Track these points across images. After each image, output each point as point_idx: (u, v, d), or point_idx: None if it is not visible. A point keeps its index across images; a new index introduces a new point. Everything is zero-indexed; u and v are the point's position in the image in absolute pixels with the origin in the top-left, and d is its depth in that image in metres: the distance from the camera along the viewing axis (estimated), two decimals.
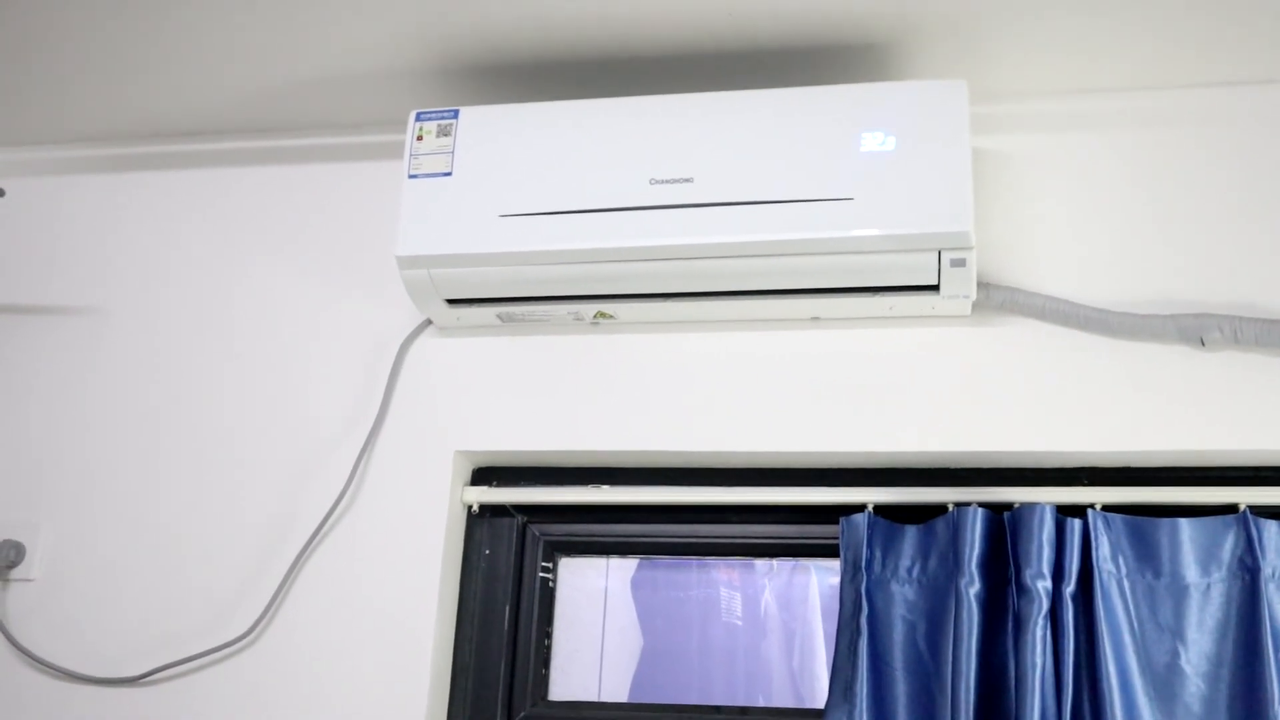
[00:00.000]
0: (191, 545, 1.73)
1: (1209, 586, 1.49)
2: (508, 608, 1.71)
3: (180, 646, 1.67)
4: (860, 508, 1.59)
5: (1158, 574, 1.51)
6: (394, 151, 1.77)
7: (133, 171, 1.99)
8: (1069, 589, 1.47)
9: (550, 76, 1.77)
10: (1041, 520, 1.48)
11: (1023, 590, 1.47)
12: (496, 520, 1.75)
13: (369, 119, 1.89)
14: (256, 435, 1.77)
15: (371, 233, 1.85)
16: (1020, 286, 1.65)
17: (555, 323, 1.74)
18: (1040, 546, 1.47)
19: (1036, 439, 1.59)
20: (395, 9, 1.65)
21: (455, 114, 1.67)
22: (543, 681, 1.71)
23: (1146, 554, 1.51)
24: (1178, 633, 1.48)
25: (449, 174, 1.64)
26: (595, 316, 1.72)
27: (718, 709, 1.69)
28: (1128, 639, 1.47)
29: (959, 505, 1.54)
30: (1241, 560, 1.48)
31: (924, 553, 1.56)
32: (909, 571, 1.56)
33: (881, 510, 1.60)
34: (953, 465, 1.65)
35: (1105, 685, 1.42)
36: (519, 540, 1.75)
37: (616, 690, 1.81)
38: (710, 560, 1.82)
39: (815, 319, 1.69)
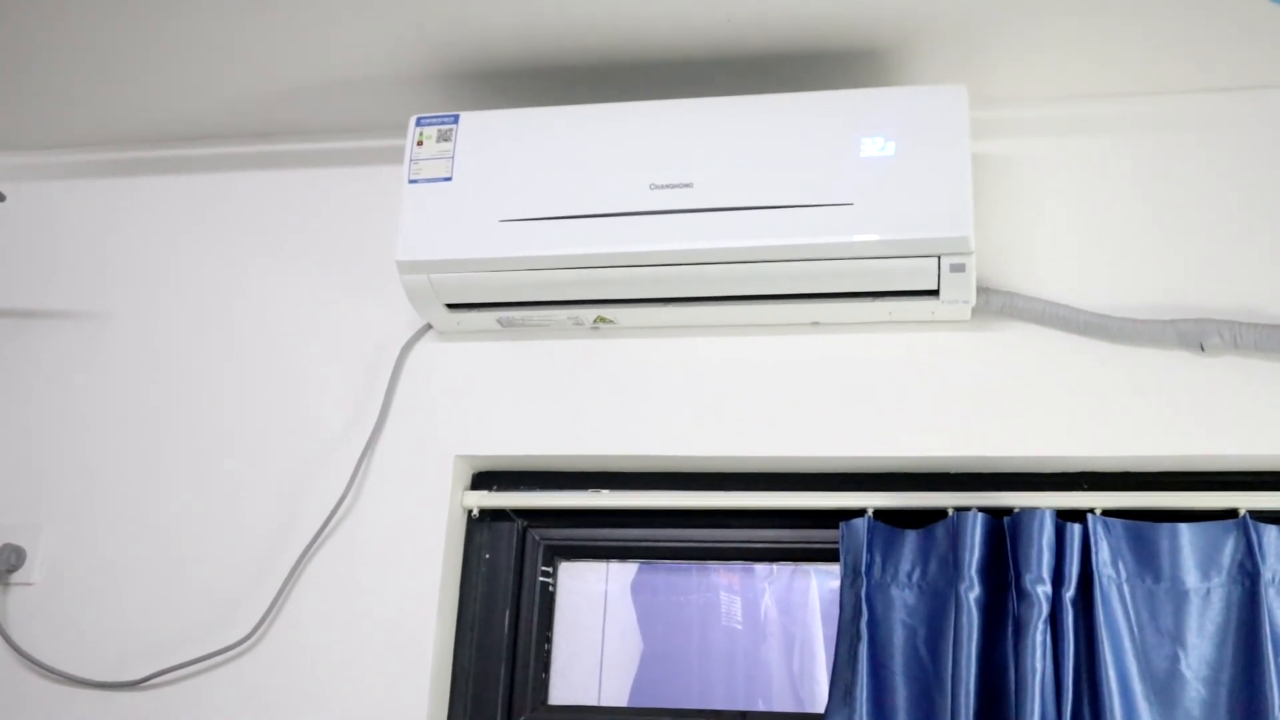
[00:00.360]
0: (192, 549, 1.73)
1: (1209, 591, 1.49)
2: (508, 612, 1.72)
3: (181, 650, 1.67)
4: (860, 512, 1.59)
5: (1158, 579, 1.51)
6: (394, 156, 1.77)
7: (133, 176, 1.99)
8: (1069, 594, 1.47)
9: (551, 81, 1.77)
10: (1041, 525, 1.48)
11: (1023, 595, 1.47)
12: (496, 524, 1.75)
13: (369, 124, 1.90)
14: (257, 440, 1.78)
15: (371, 237, 1.85)
16: (1020, 291, 1.65)
17: (555, 327, 1.74)
18: (1040, 551, 1.47)
19: (1036, 444, 1.59)
20: (396, 14, 1.65)
21: (455, 119, 1.68)
22: (543, 686, 1.71)
23: (1146, 559, 1.51)
24: (1178, 638, 1.47)
25: (449, 179, 1.65)
26: (595, 321, 1.72)
27: (718, 713, 1.69)
28: (1128, 644, 1.47)
29: (959, 510, 1.54)
30: (1241, 565, 1.48)
31: (924, 557, 1.56)
32: (909, 576, 1.56)
33: (881, 515, 1.60)
34: (952, 470, 1.65)
35: (1105, 690, 1.42)
36: (519, 544, 1.75)
37: (616, 694, 1.81)
38: (710, 564, 1.82)
39: (815, 324, 1.69)
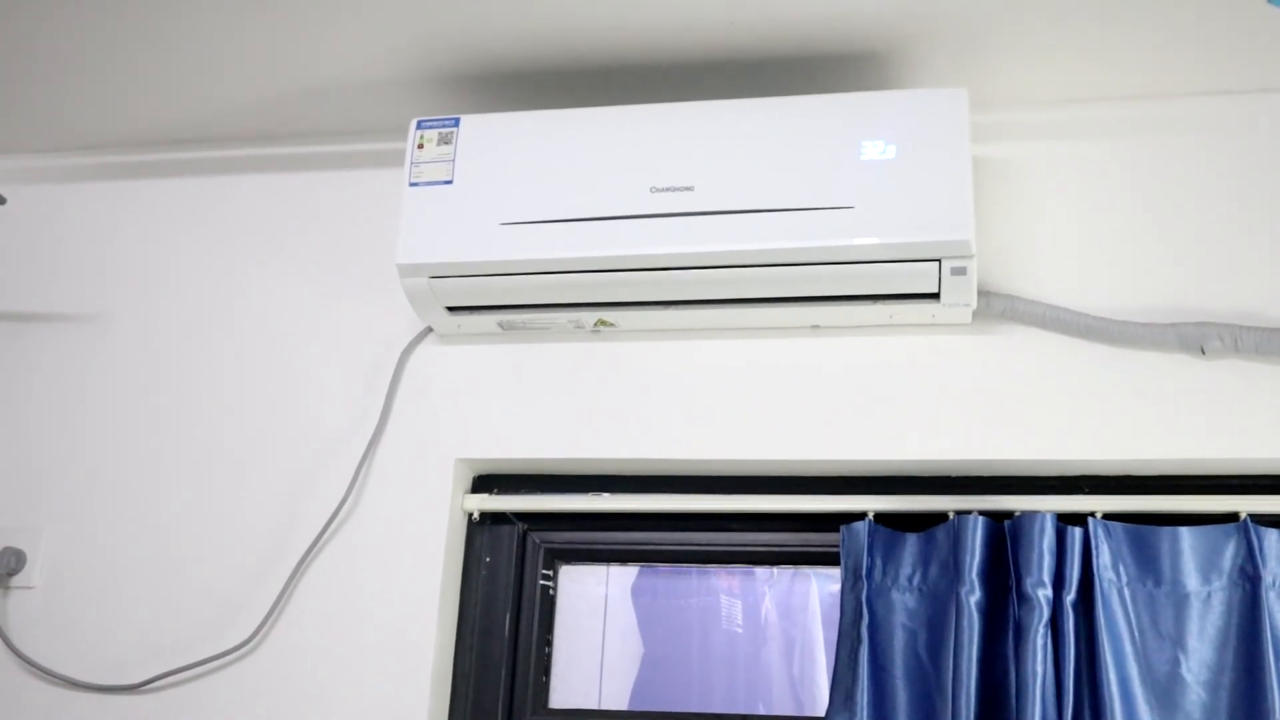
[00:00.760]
0: (192, 552, 1.73)
1: (1210, 595, 1.49)
2: (508, 615, 1.71)
3: (181, 654, 1.67)
4: (861, 516, 1.59)
5: (1158, 582, 1.51)
6: (395, 159, 1.77)
7: (134, 179, 1.99)
8: (1070, 597, 1.47)
9: (551, 85, 1.77)
10: (1042, 528, 1.48)
11: (1023, 598, 1.47)
12: (497, 528, 1.75)
13: (370, 127, 1.90)
14: (257, 443, 1.77)
15: (372, 240, 1.85)
16: (1021, 295, 1.65)
17: (556, 330, 1.74)
18: (1041, 555, 1.47)
19: (1037, 447, 1.59)
20: (396, 17, 1.65)
21: (456, 122, 1.68)
22: (543, 689, 1.71)
23: (1147, 562, 1.51)
24: (1178, 641, 1.47)
25: (450, 182, 1.65)
26: (596, 324, 1.72)
27: (718, 717, 1.69)
28: (1128, 647, 1.47)
29: (960, 513, 1.54)
30: (1242, 569, 1.48)
31: (925, 561, 1.56)
32: (910, 579, 1.56)
33: (882, 518, 1.60)
34: (953, 473, 1.65)
35: (1106, 693, 1.42)
36: (519, 548, 1.75)
37: (617, 698, 1.81)
38: (710, 568, 1.82)
39: (815, 327, 1.69)
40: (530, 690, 1.69)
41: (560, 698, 1.73)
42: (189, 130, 1.96)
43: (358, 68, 1.77)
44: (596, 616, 1.82)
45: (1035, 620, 1.45)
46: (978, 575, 1.49)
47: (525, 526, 1.76)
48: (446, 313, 1.70)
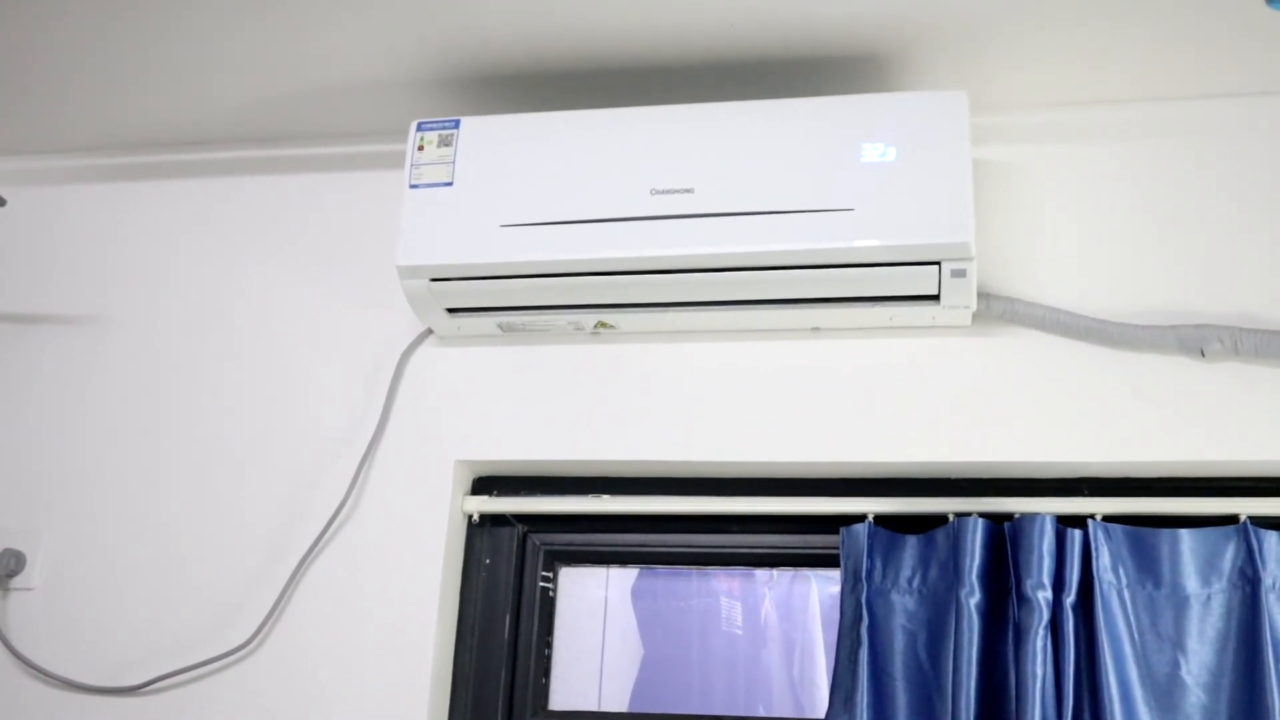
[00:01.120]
0: (192, 553, 1.73)
1: (1209, 597, 1.49)
2: (508, 617, 1.71)
3: (181, 655, 1.67)
4: (860, 518, 1.59)
5: (1158, 584, 1.51)
6: (395, 161, 1.77)
7: (135, 181, 1.99)
8: (1069, 599, 1.47)
9: (551, 87, 1.77)
10: (1042, 530, 1.48)
11: (1023, 600, 1.47)
12: (497, 530, 1.75)
13: (370, 128, 1.90)
14: (257, 445, 1.77)
15: (372, 242, 1.85)
16: (1020, 297, 1.65)
17: (556, 332, 1.74)
18: (1041, 557, 1.47)
19: (1037, 449, 1.59)
20: (397, 19, 1.65)
21: (456, 124, 1.68)
22: (543, 691, 1.71)
23: (1147, 564, 1.52)
24: (1178, 643, 1.47)
25: (450, 184, 1.65)
26: (596, 326, 1.72)
27: (718, 718, 1.69)
28: (1128, 649, 1.47)
29: (959, 515, 1.54)
30: (1242, 571, 1.48)
31: (924, 563, 1.56)
32: (909, 581, 1.56)
33: (882, 520, 1.60)
34: (953, 475, 1.65)
35: (1106, 696, 1.42)
36: (519, 550, 1.75)
37: (617, 700, 1.81)
38: (710, 570, 1.82)
39: (815, 329, 1.69)
40: (530, 692, 1.69)
41: (560, 699, 1.73)
42: (189, 132, 1.96)
43: (358, 69, 1.77)
44: (596, 618, 1.82)
45: (1035, 622, 1.45)
46: (977, 577, 1.49)
47: (525, 528, 1.76)
48: (446, 314, 1.70)
